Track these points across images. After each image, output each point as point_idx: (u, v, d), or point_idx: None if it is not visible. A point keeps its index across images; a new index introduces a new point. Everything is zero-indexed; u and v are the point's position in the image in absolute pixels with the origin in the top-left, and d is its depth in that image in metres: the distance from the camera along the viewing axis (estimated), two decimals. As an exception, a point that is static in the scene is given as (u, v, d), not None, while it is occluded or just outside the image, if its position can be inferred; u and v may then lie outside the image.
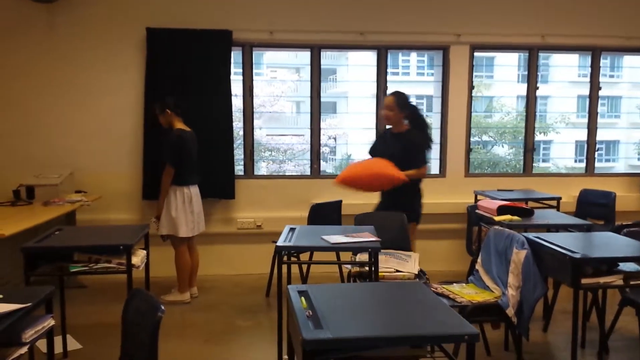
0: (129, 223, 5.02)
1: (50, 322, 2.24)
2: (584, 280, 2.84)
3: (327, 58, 5.70)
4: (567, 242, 3.09)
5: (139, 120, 5.25)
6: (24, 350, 2.05)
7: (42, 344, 2.39)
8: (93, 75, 5.27)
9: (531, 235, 3.21)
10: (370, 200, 5.42)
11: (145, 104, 5.19)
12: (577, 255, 2.84)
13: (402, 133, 4.21)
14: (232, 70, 5.37)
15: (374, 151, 4.36)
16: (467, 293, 3.14)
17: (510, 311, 2.99)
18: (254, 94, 5.56)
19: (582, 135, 5.98)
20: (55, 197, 4.64)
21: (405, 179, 3.91)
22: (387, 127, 4.40)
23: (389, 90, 5.61)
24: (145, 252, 3.46)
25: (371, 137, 5.75)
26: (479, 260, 3.43)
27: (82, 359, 3.50)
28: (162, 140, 4.62)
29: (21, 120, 5.25)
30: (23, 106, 5.23)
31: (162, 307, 1.95)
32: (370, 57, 5.76)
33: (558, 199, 5.12)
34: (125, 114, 5.25)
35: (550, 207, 5.11)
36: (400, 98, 4.20)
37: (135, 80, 5.25)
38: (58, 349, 3.12)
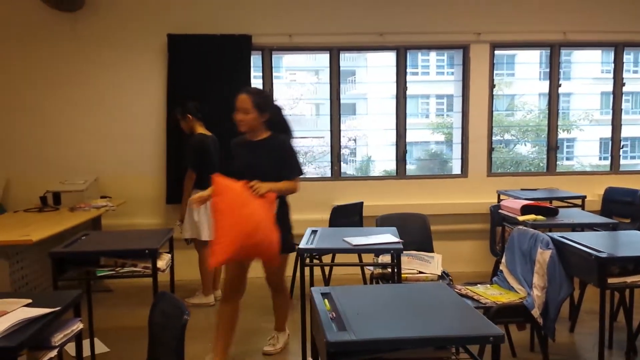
0: (153, 227, 5.09)
1: (78, 326, 2.28)
2: (610, 280, 2.80)
3: (346, 60, 5.70)
4: (592, 242, 3.05)
5: (162, 125, 5.32)
6: (53, 353, 2.09)
7: (70, 348, 2.43)
8: (116, 82, 5.36)
9: (556, 235, 3.18)
10: (392, 201, 5.43)
11: (168, 109, 5.26)
12: (604, 255, 2.80)
13: (264, 140, 3.42)
14: (252, 74, 5.40)
15: (234, 167, 3.47)
16: (491, 294, 3.11)
17: (535, 312, 2.96)
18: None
19: (606, 132, 5.89)
20: (81, 202, 4.72)
21: (273, 201, 3.17)
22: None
23: (410, 91, 5.62)
24: (170, 255, 3.50)
25: (391, 138, 5.75)
26: (503, 260, 3.40)
27: (110, 361, 3.55)
28: (184, 145, 4.68)
29: (46, 127, 5.35)
30: (48, 113, 5.34)
31: (188, 310, 1.97)
32: (390, 57, 5.75)
33: (583, 198, 5.04)
34: (148, 119, 5.32)
35: (575, 205, 5.04)
36: (259, 97, 3.41)
37: (158, 85, 5.33)
38: (86, 352, 3.17)
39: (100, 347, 3.67)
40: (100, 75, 5.35)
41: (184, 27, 5.25)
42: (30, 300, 2.13)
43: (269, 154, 3.38)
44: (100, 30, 5.29)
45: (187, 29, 5.24)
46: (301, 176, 3.45)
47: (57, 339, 2.12)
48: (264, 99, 3.47)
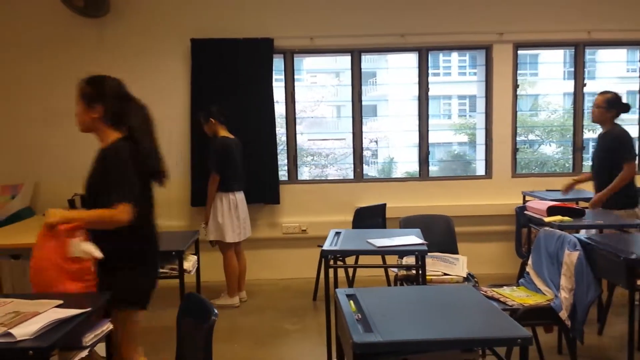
0: (178, 229, 5.13)
1: (108, 326, 2.31)
2: (639, 282, 2.75)
3: (367, 61, 5.70)
4: (620, 243, 3.00)
5: (186, 128, 5.38)
6: (84, 353, 2.13)
7: (99, 348, 2.47)
8: (140, 86, 5.35)
9: (583, 236, 3.14)
10: (415, 202, 5.41)
11: (191, 113, 5.31)
12: (632, 256, 2.76)
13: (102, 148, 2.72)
14: (274, 77, 5.44)
15: None
16: (518, 296, 3.08)
17: (563, 314, 2.93)
18: (295, 100, 5.62)
19: (633, 131, 5.78)
20: (107, 205, 4.79)
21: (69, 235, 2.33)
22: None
23: (432, 92, 5.60)
24: (195, 257, 3.55)
25: (413, 139, 5.73)
26: (529, 262, 3.37)
27: (137, 362, 3.59)
28: (208, 148, 4.73)
29: (74, 131, 5.39)
30: (74, 117, 5.41)
31: (216, 311, 1.99)
32: (411, 58, 5.73)
33: (610, 198, 4.95)
34: (172, 122, 5.38)
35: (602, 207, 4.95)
36: (89, 85, 2.70)
37: (181, 89, 5.39)
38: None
39: (128, 348, 3.71)
40: (125, 80, 5.35)
41: (206, 32, 5.30)
42: (61, 301, 2.17)
43: (94, 169, 2.63)
44: (125, 35, 5.37)
45: (210, 34, 5.29)
46: (127, 203, 2.40)
47: (88, 339, 2.16)
48: (96, 86, 2.67)
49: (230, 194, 4.65)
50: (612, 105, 4.18)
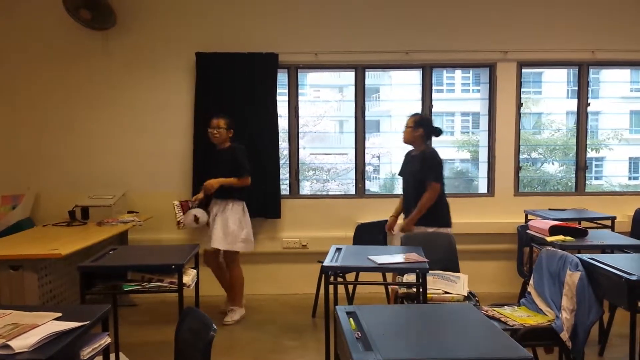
0: (179, 242, 5.13)
1: (106, 340, 2.30)
2: (641, 303, 2.73)
3: (370, 77, 5.73)
4: (622, 264, 2.98)
5: (189, 141, 5.39)
6: (82, 367, 2.11)
7: (97, 361, 2.45)
8: (145, 98, 5.46)
9: (585, 257, 3.12)
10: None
11: (195, 126, 5.33)
12: (634, 277, 2.74)
13: None
14: (278, 91, 5.46)
15: None
16: (519, 316, 3.06)
17: (564, 335, 2.90)
18: (298, 115, 5.63)
19: (636, 151, 5.78)
20: (108, 217, 4.80)
21: None
22: None
23: (435, 108, 5.62)
24: (195, 271, 3.54)
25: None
26: (531, 282, 3.35)
27: (134, 376, 3.57)
28: (219, 157, 4.67)
29: (76, 143, 5.47)
30: (77, 129, 5.46)
31: (214, 326, 1.98)
32: (414, 75, 5.75)
33: (612, 219, 4.94)
34: (176, 135, 5.40)
35: (605, 227, 4.94)
36: None
37: (186, 102, 5.41)
38: (111, 365, 3.20)
39: (125, 362, 3.69)
40: (129, 92, 5.46)
41: (212, 46, 5.34)
42: (60, 314, 2.16)
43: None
44: (131, 48, 5.41)
45: (215, 48, 5.33)
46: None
47: (86, 352, 2.15)
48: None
49: (243, 202, 4.65)
50: (420, 125, 4.30)
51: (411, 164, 4.40)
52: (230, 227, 4.53)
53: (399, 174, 4.65)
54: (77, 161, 5.46)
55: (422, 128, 4.32)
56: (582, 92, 5.62)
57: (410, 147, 4.49)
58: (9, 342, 1.86)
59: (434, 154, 4.32)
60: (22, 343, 1.86)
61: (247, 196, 4.73)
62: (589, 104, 5.63)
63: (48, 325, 2.04)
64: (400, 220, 4.50)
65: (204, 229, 4.72)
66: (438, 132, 4.39)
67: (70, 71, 5.42)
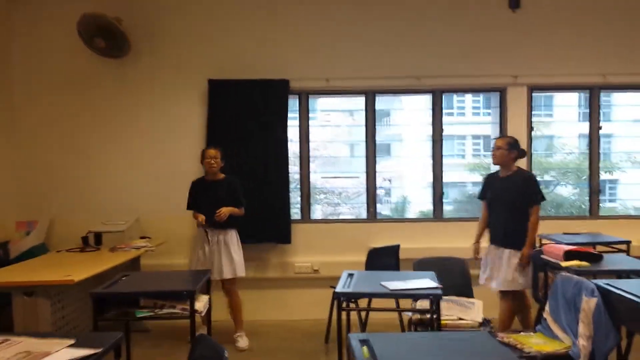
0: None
1: (119, 367, 2.30)
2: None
3: (381, 101, 5.75)
4: (639, 289, 2.93)
5: (201, 167, 5.41)
6: (94, 395, 2.10)
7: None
8: (158, 124, 5.52)
9: (601, 282, 3.07)
10: (430, 243, 5.37)
11: (206, 151, 5.36)
12: (653, 304, 2.68)
13: None
14: (288, 116, 5.49)
15: None
16: (535, 343, 3.01)
17: (582, 363, 2.85)
18: (309, 139, 5.66)
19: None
20: (121, 243, 4.82)
21: None
22: None
23: (446, 132, 5.62)
24: (207, 297, 3.53)
25: (427, 179, 5.72)
26: (546, 308, 3.30)
27: (146, 403, 3.55)
28: (213, 189, 4.72)
29: (90, 168, 5.52)
30: (92, 154, 5.52)
31: (226, 354, 1.97)
32: (425, 99, 5.77)
33: (628, 243, 4.88)
34: (188, 160, 5.42)
35: (620, 251, 4.87)
36: None
37: (198, 127, 5.46)
38: (123, 393, 3.19)
39: (137, 389, 3.67)
40: (143, 118, 5.52)
41: (224, 72, 5.40)
42: (73, 341, 2.16)
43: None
44: (144, 75, 5.49)
45: (227, 74, 5.39)
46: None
47: (98, 380, 2.14)
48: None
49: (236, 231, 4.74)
50: (513, 147, 4.32)
51: (504, 187, 4.33)
52: (235, 255, 4.65)
53: (481, 198, 4.63)
54: (90, 186, 5.51)
55: (516, 150, 4.33)
56: (594, 116, 5.61)
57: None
58: (22, 371, 1.85)
59: (534, 176, 4.38)
60: (35, 372, 1.86)
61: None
62: (600, 127, 5.61)
63: (61, 353, 2.04)
64: (484, 243, 4.50)
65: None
66: (524, 154, 4.43)
67: (85, 98, 5.50)
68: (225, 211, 4.52)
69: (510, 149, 4.31)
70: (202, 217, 4.54)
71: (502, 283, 4.15)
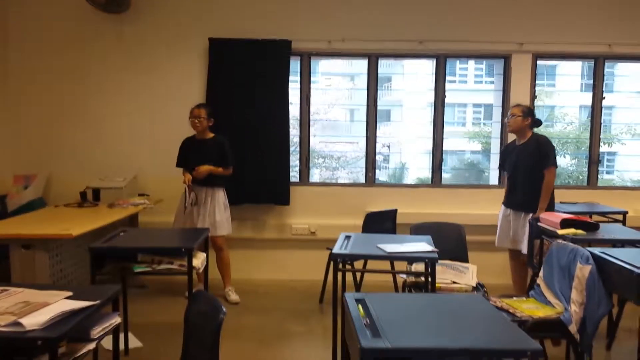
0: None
1: (116, 320, 2.33)
2: (652, 298, 2.71)
3: (383, 66, 5.67)
4: (633, 258, 2.95)
5: (200, 127, 5.39)
6: (92, 346, 2.14)
7: (105, 341, 2.47)
8: (157, 83, 5.46)
9: (596, 250, 3.10)
10: (427, 209, 5.40)
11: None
12: (646, 272, 2.71)
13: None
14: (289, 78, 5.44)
15: None
16: (527, 308, 3.05)
17: (573, 328, 2.89)
18: (310, 102, 5.61)
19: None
20: (119, 199, 4.82)
21: None
22: None
23: (447, 99, 5.58)
24: (204, 254, 3.55)
25: (426, 146, 5.71)
26: (540, 274, 3.34)
27: (143, 356, 3.61)
28: (202, 148, 4.73)
29: (88, 125, 5.49)
30: (90, 112, 5.48)
31: (224, 309, 1.99)
32: (427, 65, 5.71)
33: (624, 213, 4.91)
34: (187, 119, 5.39)
35: (616, 221, 4.91)
36: None
37: (198, 87, 5.41)
38: (120, 346, 3.23)
39: (134, 342, 3.73)
40: (142, 76, 5.46)
41: (225, 32, 5.32)
42: (71, 293, 2.18)
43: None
44: (144, 32, 5.40)
45: (229, 33, 5.31)
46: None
47: (96, 332, 2.17)
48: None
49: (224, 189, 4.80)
50: (528, 114, 4.39)
51: (521, 154, 4.39)
52: (218, 214, 4.67)
53: (501, 169, 4.73)
54: (89, 144, 5.49)
55: (530, 117, 4.38)
56: (598, 86, 5.56)
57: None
58: (20, 320, 1.87)
59: (548, 139, 4.39)
60: (33, 321, 1.88)
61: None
62: (603, 98, 5.57)
63: (59, 303, 2.06)
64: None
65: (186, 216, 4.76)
66: (539, 122, 4.45)
67: (84, 55, 5.42)
68: (203, 169, 4.55)
69: (525, 116, 4.36)
70: (188, 177, 4.56)
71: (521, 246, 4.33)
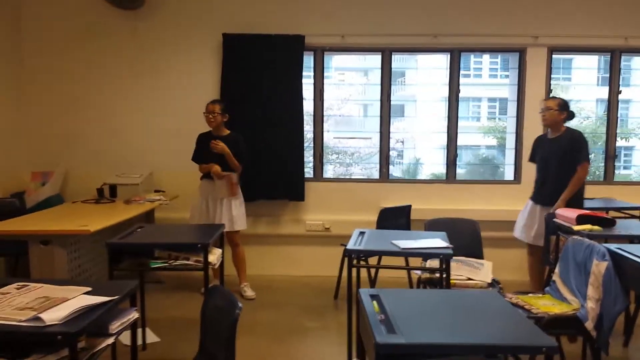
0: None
1: (134, 315, 2.35)
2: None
3: (396, 61, 5.66)
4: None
5: (214, 123, 5.41)
6: (111, 340, 2.16)
7: (123, 336, 2.51)
8: (172, 79, 5.50)
9: (612, 246, 3.07)
10: (441, 205, 5.38)
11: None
12: (664, 269, 2.69)
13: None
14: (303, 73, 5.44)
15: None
16: (543, 304, 3.04)
17: (589, 325, 2.87)
18: (324, 98, 5.61)
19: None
20: (136, 195, 4.87)
21: None
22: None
23: (461, 93, 5.55)
24: (220, 250, 3.57)
25: (440, 141, 5.69)
26: (556, 270, 3.31)
27: (161, 351, 3.65)
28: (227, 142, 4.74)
29: (104, 122, 5.54)
30: (106, 108, 5.53)
31: (240, 304, 2.01)
32: (441, 59, 5.68)
33: (641, 209, 4.86)
34: (201, 115, 5.41)
35: (633, 217, 4.86)
36: None
37: (212, 83, 5.43)
38: (138, 341, 3.27)
39: (151, 337, 3.77)
40: (156, 72, 5.50)
41: (239, 27, 5.34)
42: (89, 289, 2.21)
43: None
44: (159, 28, 5.44)
45: (242, 29, 5.32)
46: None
47: (114, 327, 2.20)
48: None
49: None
50: (564, 108, 4.33)
51: (553, 147, 4.36)
52: (234, 209, 4.72)
53: (531, 161, 4.66)
54: (105, 140, 5.54)
55: (566, 111, 4.34)
56: (614, 79, 5.50)
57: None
58: (40, 315, 1.90)
59: (582, 134, 4.35)
60: (53, 316, 1.91)
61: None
62: (620, 92, 5.51)
63: (78, 299, 2.09)
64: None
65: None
66: (573, 115, 4.41)
67: (99, 50, 5.47)
68: (223, 145, 4.59)
69: (560, 110, 4.31)
70: (216, 167, 4.61)
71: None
